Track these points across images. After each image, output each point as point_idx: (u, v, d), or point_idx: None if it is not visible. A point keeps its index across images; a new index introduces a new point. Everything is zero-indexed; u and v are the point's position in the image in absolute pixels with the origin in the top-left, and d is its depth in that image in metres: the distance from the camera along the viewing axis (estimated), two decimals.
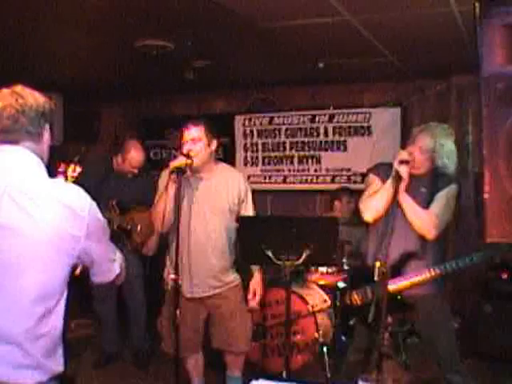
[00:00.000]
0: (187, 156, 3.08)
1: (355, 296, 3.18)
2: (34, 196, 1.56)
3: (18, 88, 1.66)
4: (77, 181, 3.74)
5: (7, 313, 1.55)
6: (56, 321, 1.64)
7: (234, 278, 3.40)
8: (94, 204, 1.71)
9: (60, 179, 1.73)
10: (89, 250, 1.68)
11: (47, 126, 1.71)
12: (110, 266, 1.85)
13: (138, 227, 4.22)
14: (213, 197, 3.27)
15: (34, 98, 1.65)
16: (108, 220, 4.33)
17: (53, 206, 1.58)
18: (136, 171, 4.24)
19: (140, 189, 4.19)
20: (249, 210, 3.40)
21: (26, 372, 1.57)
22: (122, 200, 4.16)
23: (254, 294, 3.41)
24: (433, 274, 2.95)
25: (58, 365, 1.67)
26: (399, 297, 3.01)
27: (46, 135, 1.71)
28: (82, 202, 1.66)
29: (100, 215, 1.73)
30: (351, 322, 3.24)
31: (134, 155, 4.17)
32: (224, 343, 3.42)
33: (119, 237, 4.14)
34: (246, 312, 3.46)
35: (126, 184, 4.26)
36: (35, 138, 1.66)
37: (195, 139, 3.16)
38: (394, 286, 2.94)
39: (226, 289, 3.34)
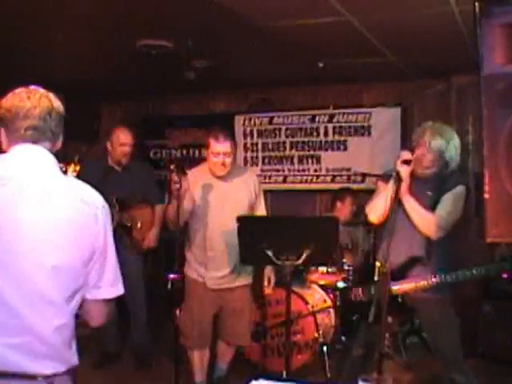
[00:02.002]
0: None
1: (359, 292, 3.18)
2: (58, 193, 1.61)
3: (42, 89, 1.70)
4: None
5: (37, 306, 1.57)
6: (72, 310, 1.67)
7: (250, 273, 3.60)
8: (105, 203, 1.75)
9: (74, 178, 1.76)
10: (104, 249, 1.68)
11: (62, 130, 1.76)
12: (118, 275, 1.74)
13: (138, 224, 4.23)
14: (234, 195, 3.45)
15: (57, 102, 1.70)
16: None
17: (76, 204, 1.63)
18: (127, 150, 4.20)
19: (136, 182, 4.22)
20: (262, 204, 3.63)
21: (45, 362, 1.58)
22: (121, 197, 4.17)
23: (269, 281, 3.61)
24: (434, 281, 2.93)
25: (74, 356, 1.67)
26: (400, 299, 3.00)
27: (61, 138, 1.75)
28: (97, 199, 1.71)
29: (110, 215, 1.75)
30: (354, 317, 3.24)
31: (120, 134, 4.19)
32: (233, 337, 3.63)
33: (119, 233, 4.17)
34: (251, 309, 3.71)
35: (120, 177, 4.25)
36: (55, 139, 1.70)
37: (227, 153, 3.36)
38: (396, 286, 2.93)
39: (243, 284, 3.55)
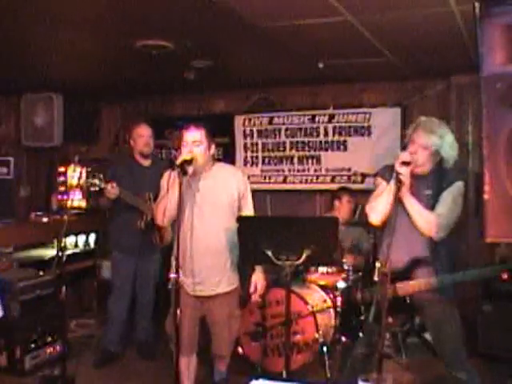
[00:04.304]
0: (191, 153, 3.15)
1: (366, 294, 3.18)
2: None
3: None
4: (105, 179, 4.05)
5: None
6: None
7: (234, 280, 3.40)
8: None
9: None
10: None
11: None
12: None
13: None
14: (212, 195, 3.29)
15: None
16: (143, 211, 4.51)
17: None
18: (146, 140, 4.47)
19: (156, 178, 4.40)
20: (248, 206, 3.43)
21: None
22: (153, 193, 4.27)
23: (255, 289, 3.43)
24: (436, 283, 2.93)
25: None
26: (407, 300, 3.00)
27: None
28: None
29: None
30: (361, 317, 3.23)
31: (138, 128, 4.51)
32: (214, 347, 3.49)
33: (152, 229, 4.29)
34: (237, 317, 3.52)
35: (147, 173, 4.40)
36: None
37: (197, 141, 3.20)
38: (401, 285, 2.94)
39: (225, 292, 3.35)
